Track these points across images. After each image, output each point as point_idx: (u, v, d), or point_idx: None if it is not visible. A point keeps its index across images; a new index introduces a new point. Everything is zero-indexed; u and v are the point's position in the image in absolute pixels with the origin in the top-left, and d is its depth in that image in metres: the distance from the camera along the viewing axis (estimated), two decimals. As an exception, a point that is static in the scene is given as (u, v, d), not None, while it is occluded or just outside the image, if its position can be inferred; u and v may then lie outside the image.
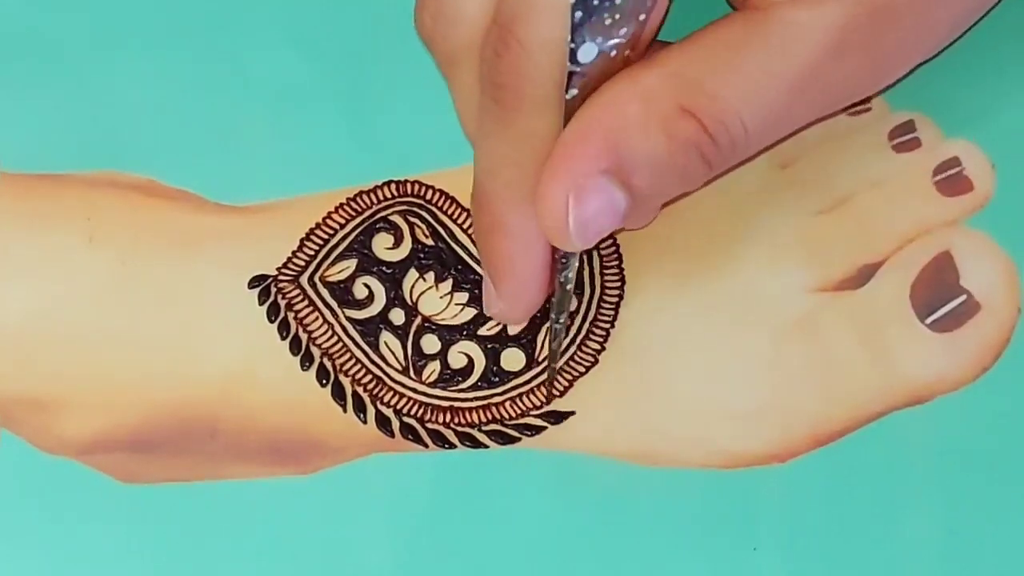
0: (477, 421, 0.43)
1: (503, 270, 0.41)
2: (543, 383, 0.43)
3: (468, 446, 0.43)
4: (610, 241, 0.44)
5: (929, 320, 0.43)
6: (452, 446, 0.43)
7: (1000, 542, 0.42)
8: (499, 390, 0.43)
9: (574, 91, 0.37)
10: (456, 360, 0.43)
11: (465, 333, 0.44)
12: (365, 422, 0.43)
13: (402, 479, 0.42)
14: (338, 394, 0.43)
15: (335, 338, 0.43)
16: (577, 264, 0.41)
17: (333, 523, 0.42)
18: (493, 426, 0.43)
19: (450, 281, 0.44)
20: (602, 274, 0.44)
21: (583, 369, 0.43)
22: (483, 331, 0.44)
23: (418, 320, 0.44)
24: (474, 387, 0.43)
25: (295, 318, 0.44)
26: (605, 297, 0.44)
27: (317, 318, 0.44)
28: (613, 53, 0.37)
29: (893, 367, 0.43)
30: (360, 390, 0.43)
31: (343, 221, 0.44)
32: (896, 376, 0.43)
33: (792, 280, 0.44)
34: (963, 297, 0.43)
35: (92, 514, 0.42)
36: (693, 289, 0.44)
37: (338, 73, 0.46)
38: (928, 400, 0.43)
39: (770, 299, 0.44)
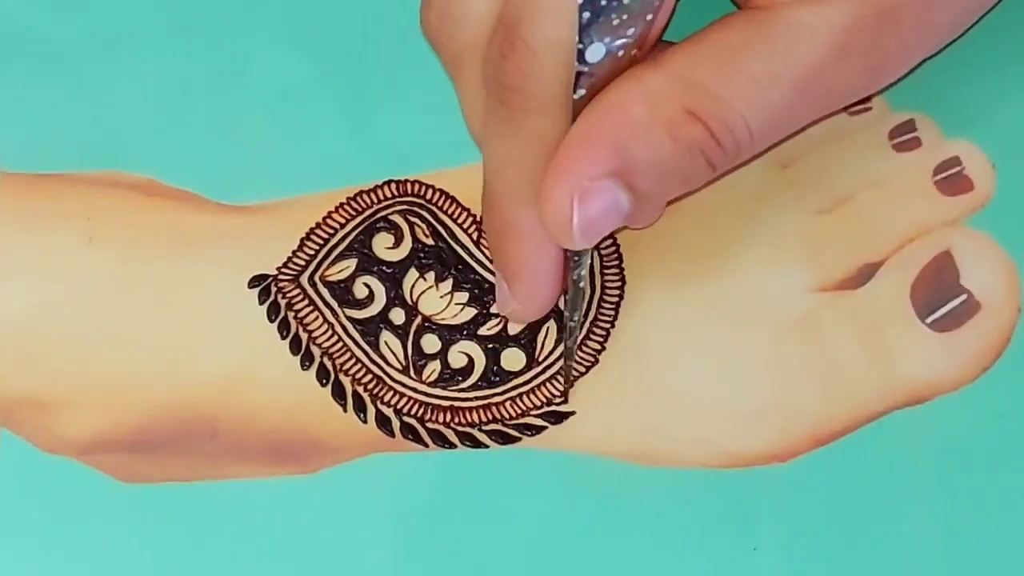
0: (477, 421, 0.43)
1: (516, 271, 0.41)
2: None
3: (468, 446, 0.43)
4: (610, 241, 0.44)
5: (929, 320, 0.43)
6: (452, 446, 0.43)
7: (1000, 542, 0.42)
8: (499, 390, 0.43)
9: (582, 91, 0.37)
10: (456, 360, 0.43)
11: (465, 333, 0.44)
12: (365, 422, 0.43)
13: (402, 479, 0.42)
14: (338, 394, 0.43)
15: (335, 338, 0.43)
16: (589, 261, 0.41)
17: (333, 523, 0.42)
18: (493, 426, 0.43)
19: (450, 281, 0.44)
20: (602, 274, 0.44)
21: (583, 369, 0.43)
22: (483, 331, 0.44)
23: (418, 320, 0.44)
24: (474, 387, 0.43)
25: (295, 318, 0.44)
26: (605, 297, 0.44)
27: (317, 318, 0.44)
28: (620, 53, 0.37)
29: (893, 367, 0.43)
30: (360, 390, 0.43)
31: (343, 221, 0.44)
32: (896, 376, 0.43)
33: (792, 280, 0.44)
34: (963, 297, 0.43)
35: (92, 514, 0.42)
36: (693, 289, 0.44)
37: (338, 73, 0.46)
38: (928, 400, 0.43)
39: (770, 299, 0.44)
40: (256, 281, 0.44)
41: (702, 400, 0.43)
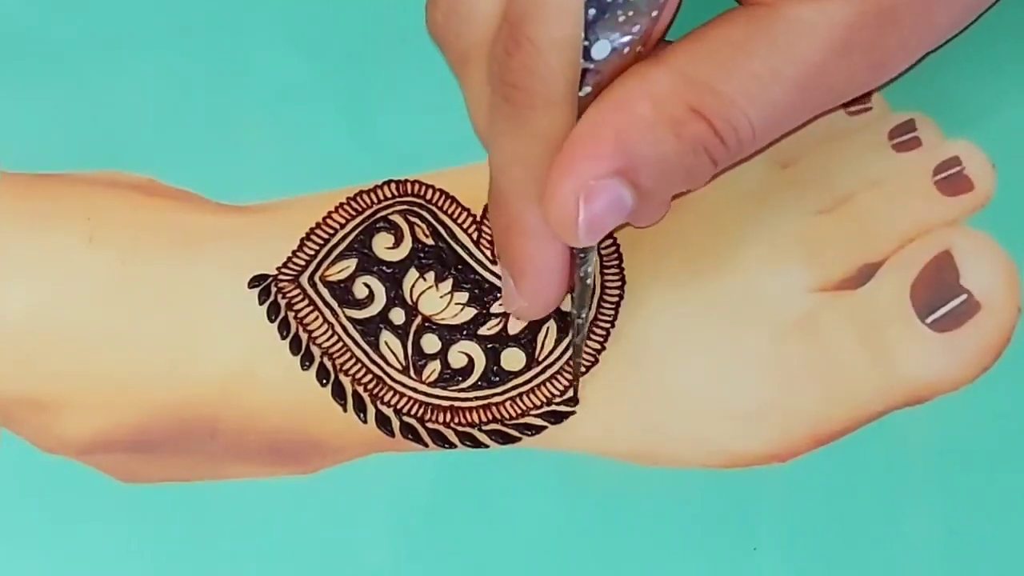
0: (477, 421, 0.43)
1: (522, 268, 0.41)
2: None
3: (468, 446, 0.43)
4: (610, 241, 0.44)
5: (929, 320, 0.43)
6: (452, 446, 0.43)
7: (1000, 542, 0.42)
8: (499, 390, 0.43)
9: (587, 88, 0.37)
10: (456, 360, 0.43)
11: (465, 333, 0.44)
12: (365, 422, 0.43)
13: (402, 479, 0.42)
14: (338, 394, 0.43)
15: (335, 338, 0.43)
16: (596, 258, 0.41)
17: (333, 523, 0.42)
18: (493, 426, 0.43)
19: (450, 281, 0.44)
20: (602, 274, 0.44)
21: (583, 369, 0.43)
22: (483, 331, 0.44)
23: (418, 320, 0.44)
24: (474, 387, 0.43)
25: (295, 318, 0.44)
26: (605, 297, 0.44)
27: (317, 318, 0.44)
28: (626, 50, 0.37)
29: (893, 367, 0.43)
30: (360, 390, 0.43)
31: (343, 221, 0.44)
32: (896, 376, 0.43)
33: (792, 280, 0.44)
34: (963, 297, 0.43)
35: (92, 514, 0.42)
36: (693, 289, 0.44)
37: (338, 73, 0.46)
38: (928, 400, 0.43)
39: (770, 299, 0.44)
40: (256, 281, 0.44)
41: (702, 400, 0.43)
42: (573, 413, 0.43)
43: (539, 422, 0.43)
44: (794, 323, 0.43)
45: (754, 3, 0.39)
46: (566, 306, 0.43)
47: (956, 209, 0.44)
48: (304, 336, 0.43)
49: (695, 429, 0.42)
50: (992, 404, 0.43)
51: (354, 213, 0.44)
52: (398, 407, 0.43)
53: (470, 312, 0.44)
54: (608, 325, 0.43)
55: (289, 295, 0.44)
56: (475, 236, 0.44)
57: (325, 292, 0.44)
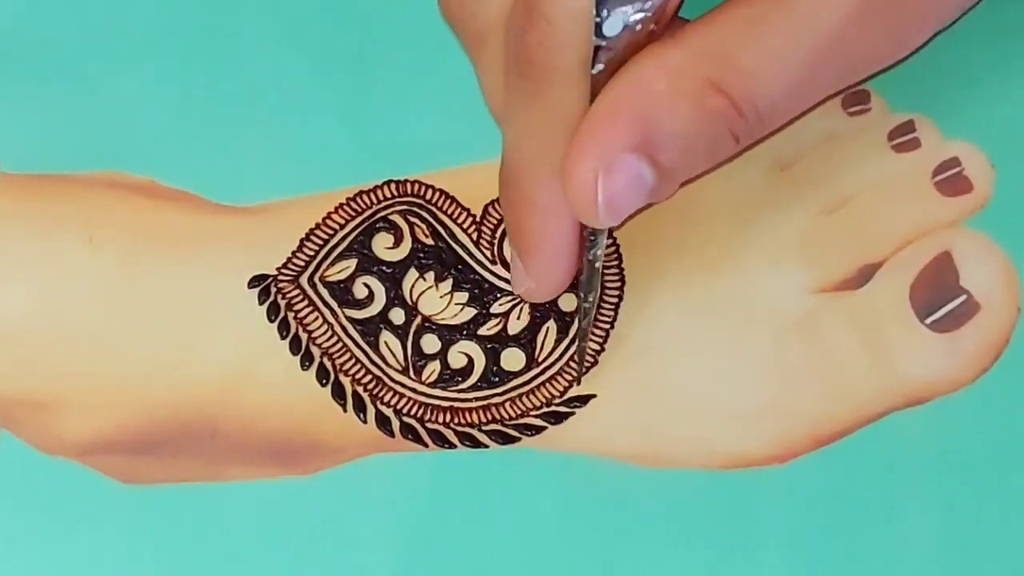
0: (477, 421, 0.43)
1: (531, 246, 0.41)
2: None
3: (468, 446, 0.43)
4: (610, 241, 0.44)
5: (929, 320, 0.43)
6: (452, 446, 0.43)
7: (999, 542, 0.42)
8: (499, 390, 0.43)
9: (600, 66, 0.37)
10: (456, 360, 0.43)
11: (465, 333, 0.44)
12: (365, 422, 0.43)
13: (402, 479, 0.42)
14: (338, 394, 0.43)
15: (335, 338, 0.43)
16: (606, 242, 0.40)
17: (333, 523, 0.42)
18: (493, 426, 0.43)
19: (450, 281, 0.44)
20: (602, 274, 0.44)
21: (583, 369, 0.43)
22: (483, 331, 0.44)
23: (418, 320, 0.44)
24: (474, 387, 0.43)
25: (295, 318, 0.44)
26: (605, 297, 0.44)
27: (317, 318, 0.44)
28: (638, 27, 0.37)
29: (893, 367, 0.43)
30: (360, 390, 0.43)
31: (343, 221, 0.44)
32: (896, 376, 0.43)
33: (792, 280, 0.44)
34: (963, 297, 0.43)
35: (92, 515, 0.42)
36: (693, 289, 0.44)
37: (338, 73, 0.46)
38: (928, 400, 0.43)
39: (770, 299, 0.44)
40: (256, 281, 0.44)
41: (702, 401, 0.43)
42: (573, 413, 0.43)
43: (539, 422, 0.43)
44: (794, 324, 0.43)
45: None
46: (566, 306, 0.43)
47: (956, 210, 0.44)
48: (304, 336, 0.43)
49: (695, 430, 0.42)
50: (992, 405, 0.43)
51: (354, 213, 0.44)
52: (398, 407, 0.43)
53: (470, 312, 0.44)
54: (608, 326, 0.43)
55: (289, 295, 0.44)
56: (475, 236, 0.44)
57: (325, 292, 0.44)
